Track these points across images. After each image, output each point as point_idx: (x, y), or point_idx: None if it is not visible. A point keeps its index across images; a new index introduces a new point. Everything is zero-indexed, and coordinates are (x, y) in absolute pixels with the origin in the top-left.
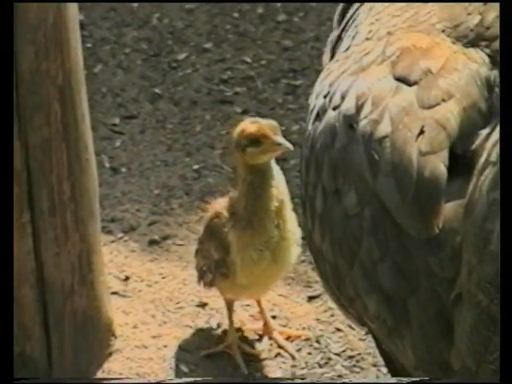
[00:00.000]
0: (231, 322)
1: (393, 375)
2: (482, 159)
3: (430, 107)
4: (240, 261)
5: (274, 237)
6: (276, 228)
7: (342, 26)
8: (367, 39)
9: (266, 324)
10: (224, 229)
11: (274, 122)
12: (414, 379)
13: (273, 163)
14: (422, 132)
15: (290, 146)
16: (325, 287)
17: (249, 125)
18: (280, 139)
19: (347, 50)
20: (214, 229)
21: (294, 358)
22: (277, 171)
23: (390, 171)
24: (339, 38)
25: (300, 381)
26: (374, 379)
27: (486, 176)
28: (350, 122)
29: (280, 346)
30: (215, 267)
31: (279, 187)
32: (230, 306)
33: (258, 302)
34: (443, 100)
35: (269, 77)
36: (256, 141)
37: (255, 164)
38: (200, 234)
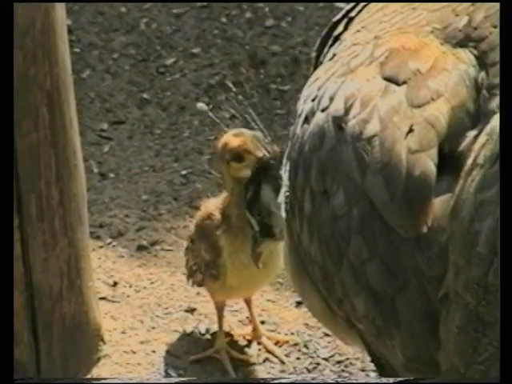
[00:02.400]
0: (221, 326)
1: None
2: (470, 161)
3: (419, 106)
4: (230, 264)
5: None
6: None
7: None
8: (354, 44)
9: (254, 329)
10: (216, 231)
11: (258, 134)
12: (406, 378)
13: None
14: (411, 130)
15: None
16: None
17: (232, 138)
18: (260, 154)
19: (332, 57)
20: (206, 230)
21: (282, 362)
22: None
23: (379, 169)
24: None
25: (300, 380)
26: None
27: (473, 177)
28: (339, 122)
29: (269, 351)
30: (205, 268)
31: None
32: (220, 311)
33: (249, 306)
34: (432, 99)
35: (257, 82)
36: (239, 156)
37: (241, 176)
38: (191, 232)
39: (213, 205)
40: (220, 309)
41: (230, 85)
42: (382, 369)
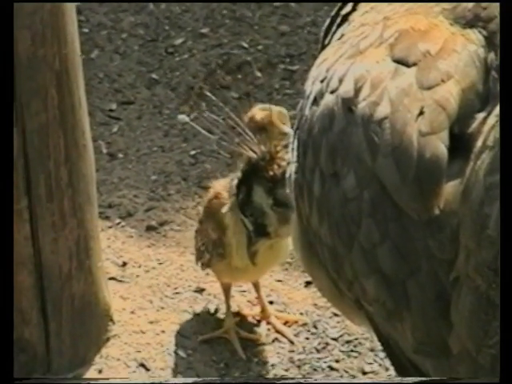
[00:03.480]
0: (228, 306)
1: (391, 360)
2: (479, 143)
3: (430, 88)
4: (236, 243)
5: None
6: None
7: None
8: (363, 25)
9: (263, 309)
10: (222, 210)
11: (283, 110)
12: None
13: None
14: (421, 113)
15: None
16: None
17: (258, 111)
18: (286, 129)
19: (341, 38)
20: (213, 209)
21: (291, 342)
22: None
23: (390, 152)
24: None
25: (302, 380)
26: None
27: (482, 160)
28: (349, 104)
29: (278, 331)
30: (212, 247)
31: None
32: (226, 292)
33: (256, 288)
34: (442, 81)
35: (265, 62)
36: (263, 128)
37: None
38: (200, 214)
39: (221, 185)
40: (226, 290)
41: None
42: (391, 350)
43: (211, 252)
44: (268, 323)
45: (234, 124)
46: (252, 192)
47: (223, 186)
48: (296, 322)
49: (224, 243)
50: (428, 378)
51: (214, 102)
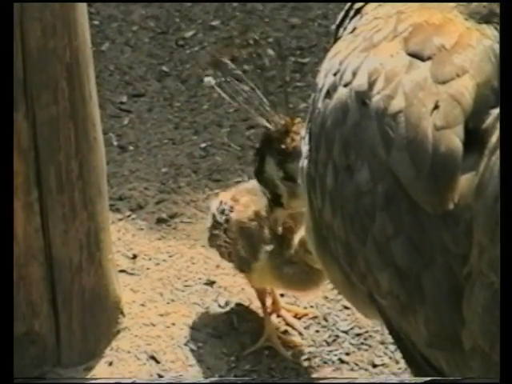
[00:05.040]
0: (266, 313)
1: (402, 353)
2: (494, 139)
3: (445, 82)
4: (265, 273)
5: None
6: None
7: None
8: (376, 19)
9: (274, 302)
10: (263, 243)
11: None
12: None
13: None
14: (436, 107)
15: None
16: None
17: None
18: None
19: (353, 31)
20: (249, 230)
21: (301, 334)
22: None
23: (405, 146)
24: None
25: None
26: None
27: (497, 156)
28: (363, 98)
29: (288, 324)
30: (238, 260)
31: None
32: (262, 298)
33: None
34: (457, 75)
35: (276, 55)
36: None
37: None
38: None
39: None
40: (262, 296)
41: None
42: (402, 344)
43: (232, 260)
44: (278, 316)
45: (252, 94)
46: (265, 162)
47: (260, 205)
48: (306, 314)
49: (251, 266)
50: (429, 378)
51: (233, 70)
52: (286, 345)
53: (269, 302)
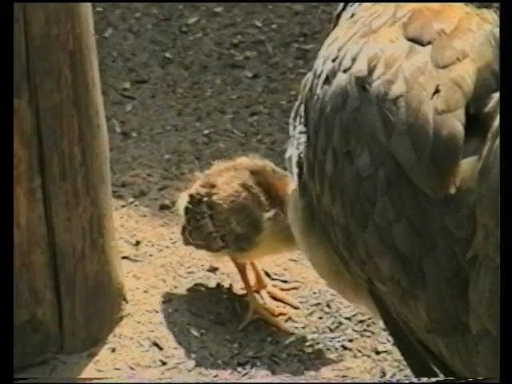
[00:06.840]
0: (248, 286)
1: (397, 341)
2: (496, 122)
3: (445, 66)
4: (266, 244)
5: None
6: None
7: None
8: (375, 4)
9: (258, 280)
10: (262, 214)
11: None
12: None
13: None
14: (437, 91)
15: None
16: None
17: None
18: None
19: (352, 17)
20: (244, 204)
21: (295, 308)
22: None
23: (406, 130)
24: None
25: (304, 381)
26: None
27: (499, 139)
28: (363, 83)
29: (278, 299)
30: (234, 240)
31: None
32: (242, 272)
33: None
34: (458, 60)
35: (279, 41)
36: None
37: None
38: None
39: (249, 176)
40: (242, 270)
41: None
42: (396, 330)
43: (228, 242)
44: (268, 292)
45: None
46: None
47: (252, 178)
48: (294, 288)
49: (252, 240)
50: (427, 379)
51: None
52: (287, 331)
53: (252, 280)
